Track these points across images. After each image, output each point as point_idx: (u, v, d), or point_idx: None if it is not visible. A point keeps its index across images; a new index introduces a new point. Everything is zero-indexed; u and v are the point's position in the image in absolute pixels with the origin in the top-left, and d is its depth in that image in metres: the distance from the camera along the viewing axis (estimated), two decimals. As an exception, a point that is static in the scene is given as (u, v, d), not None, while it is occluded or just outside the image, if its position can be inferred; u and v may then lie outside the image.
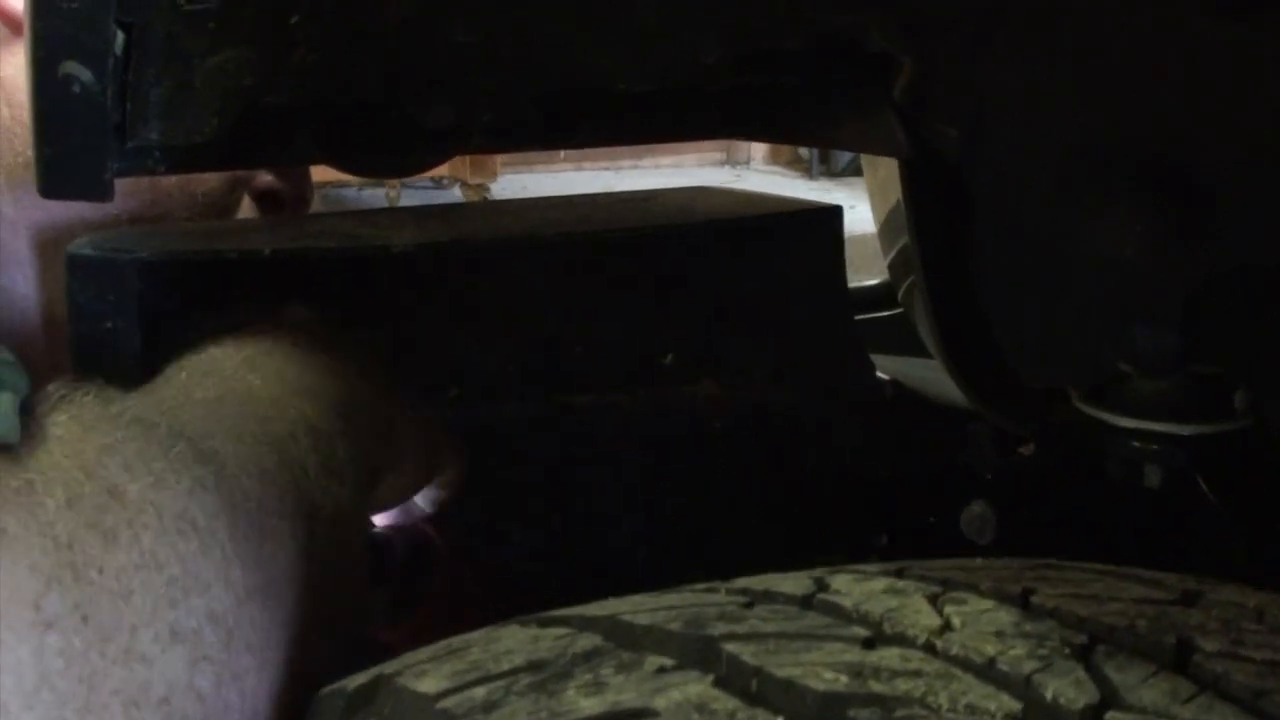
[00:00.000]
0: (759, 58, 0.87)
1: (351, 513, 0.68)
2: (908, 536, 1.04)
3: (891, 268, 1.23)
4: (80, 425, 0.56)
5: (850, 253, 1.10)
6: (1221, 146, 0.84)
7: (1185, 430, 0.94)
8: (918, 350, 1.13)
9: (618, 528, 0.94)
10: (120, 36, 0.64)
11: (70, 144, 0.65)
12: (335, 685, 0.53)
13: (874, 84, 0.91)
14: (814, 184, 7.83)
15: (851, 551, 0.90)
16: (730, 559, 0.60)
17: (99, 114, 0.64)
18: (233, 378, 0.68)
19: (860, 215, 1.35)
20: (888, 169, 1.07)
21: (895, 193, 1.02)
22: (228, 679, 0.54)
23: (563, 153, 7.81)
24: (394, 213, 1.11)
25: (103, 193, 0.68)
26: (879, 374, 1.09)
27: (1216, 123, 0.84)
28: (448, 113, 0.82)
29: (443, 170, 6.73)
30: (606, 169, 7.81)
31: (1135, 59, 0.84)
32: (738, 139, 1.04)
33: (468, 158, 6.59)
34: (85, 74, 0.63)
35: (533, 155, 7.54)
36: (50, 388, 0.60)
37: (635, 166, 7.97)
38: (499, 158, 6.85)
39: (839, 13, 0.85)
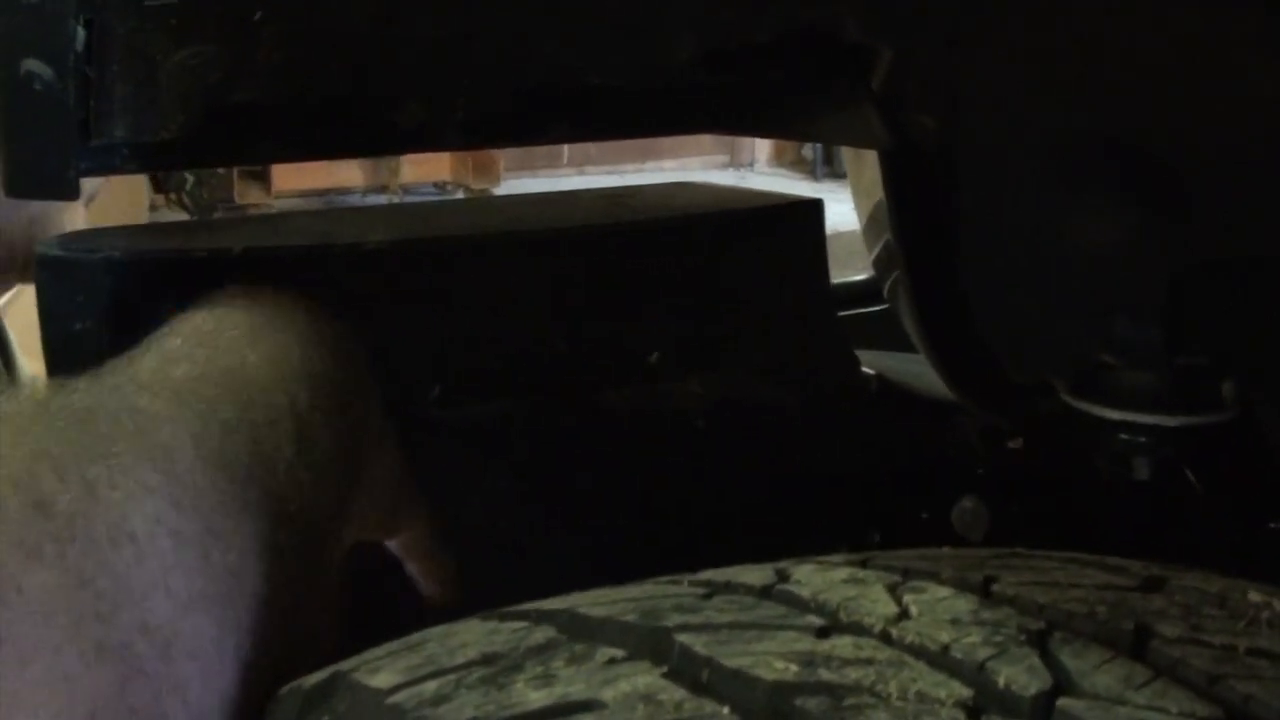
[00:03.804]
0: (734, 51, 0.86)
1: (328, 512, 0.66)
2: (899, 533, 1.03)
3: (876, 263, 1.23)
4: (13, 429, 0.54)
5: (846, 248, 1.09)
6: (1202, 137, 0.84)
7: (1172, 422, 0.94)
8: (906, 346, 1.13)
9: (602, 526, 0.93)
10: (81, 33, 0.64)
11: (34, 142, 0.65)
12: (293, 684, 0.53)
13: (852, 75, 0.91)
14: (818, 185, 7.82)
15: (842, 549, 0.90)
16: (717, 558, 0.59)
17: (62, 112, 0.64)
18: (227, 351, 0.65)
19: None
20: (871, 165, 1.07)
21: (879, 188, 1.02)
22: (165, 690, 0.52)
23: (566, 156, 7.84)
24: (370, 211, 1.11)
25: (69, 191, 0.67)
26: (865, 369, 1.08)
27: (1197, 113, 0.83)
28: (419, 110, 0.81)
29: (445, 175, 6.75)
30: (610, 172, 7.81)
31: (1115, 48, 0.84)
32: (717, 132, 1.03)
33: (470, 162, 6.62)
34: (47, 71, 0.63)
35: (536, 159, 7.56)
36: (23, 375, 0.58)
37: (639, 169, 7.98)
38: (502, 162, 6.86)
39: (814, 4, 0.84)
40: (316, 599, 0.65)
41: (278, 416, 0.63)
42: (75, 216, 0.98)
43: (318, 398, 0.66)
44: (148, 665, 0.51)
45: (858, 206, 1.25)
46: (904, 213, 0.98)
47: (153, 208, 5.88)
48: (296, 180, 6.41)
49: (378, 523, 0.74)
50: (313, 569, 0.65)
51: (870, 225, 1.22)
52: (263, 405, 0.63)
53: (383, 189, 6.69)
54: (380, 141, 0.82)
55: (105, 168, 0.73)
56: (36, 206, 0.85)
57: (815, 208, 1.02)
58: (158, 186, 6.04)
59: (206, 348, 0.65)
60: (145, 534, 0.53)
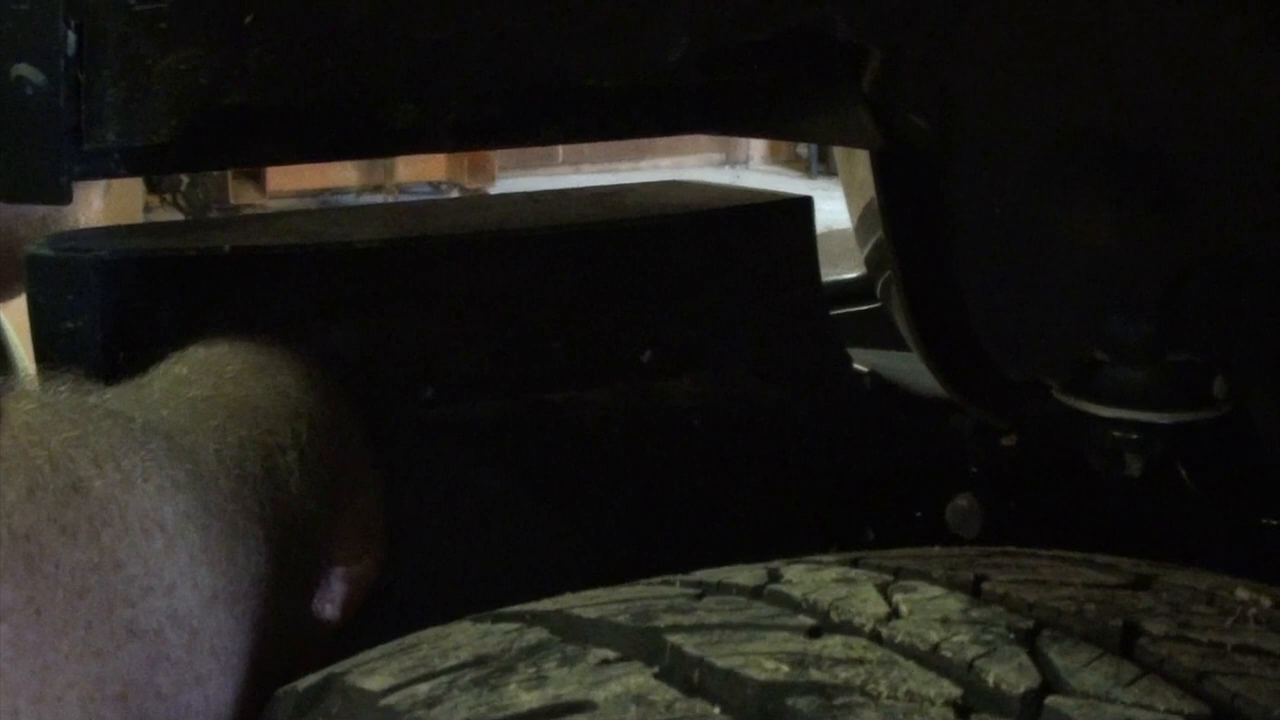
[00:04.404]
0: (726, 51, 0.87)
1: (323, 536, 0.68)
2: (893, 531, 1.03)
3: (868, 261, 1.23)
4: (51, 414, 0.56)
5: (839, 246, 1.09)
6: (1194, 136, 0.84)
7: (1164, 419, 0.94)
8: (899, 344, 1.13)
9: (595, 526, 0.93)
10: (72, 37, 0.64)
11: (25, 147, 0.65)
12: (287, 686, 0.53)
13: (843, 75, 0.91)
14: (813, 183, 7.81)
15: (837, 548, 0.90)
16: (711, 557, 0.59)
17: (53, 116, 0.64)
18: (234, 381, 0.68)
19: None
20: (863, 164, 1.07)
21: (871, 187, 1.02)
22: (190, 681, 0.54)
23: (561, 155, 7.83)
24: (362, 210, 1.11)
25: (61, 196, 0.67)
26: (858, 367, 1.08)
27: (1189, 112, 0.83)
28: (412, 112, 0.81)
29: (440, 175, 6.75)
30: (605, 171, 7.81)
31: (1107, 47, 0.84)
32: (710, 133, 1.03)
33: (465, 162, 6.61)
34: (38, 76, 0.63)
35: (531, 158, 7.55)
36: (23, 376, 0.59)
37: (635, 168, 7.97)
38: (497, 161, 6.86)
39: (805, 4, 0.84)
40: (310, 613, 0.67)
41: (285, 444, 0.66)
42: (90, 216, 0.98)
43: (314, 434, 0.68)
44: (174, 653, 0.53)
45: (850, 205, 1.25)
46: (896, 211, 0.98)
47: (147, 208, 5.87)
48: (291, 181, 6.40)
49: (350, 554, 0.75)
50: (308, 585, 0.67)
51: (862, 224, 1.23)
52: (271, 431, 0.65)
53: (378, 189, 6.68)
54: (373, 143, 0.82)
55: (98, 172, 0.73)
56: (45, 207, 0.86)
57: (805, 205, 1.03)
58: (152, 187, 6.04)
59: (214, 377, 0.68)
60: (175, 527, 0.55)
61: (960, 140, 0.93)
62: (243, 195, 6.43)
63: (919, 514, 1.03)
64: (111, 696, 0.50)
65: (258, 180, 6.43)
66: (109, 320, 0.76)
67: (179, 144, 0.73)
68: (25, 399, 0.56)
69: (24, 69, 0.62)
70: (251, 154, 0.80)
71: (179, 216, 6.10)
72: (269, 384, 0.69)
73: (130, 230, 0.90)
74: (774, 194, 1.05)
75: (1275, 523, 0.96)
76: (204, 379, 0.68)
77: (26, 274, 0.76)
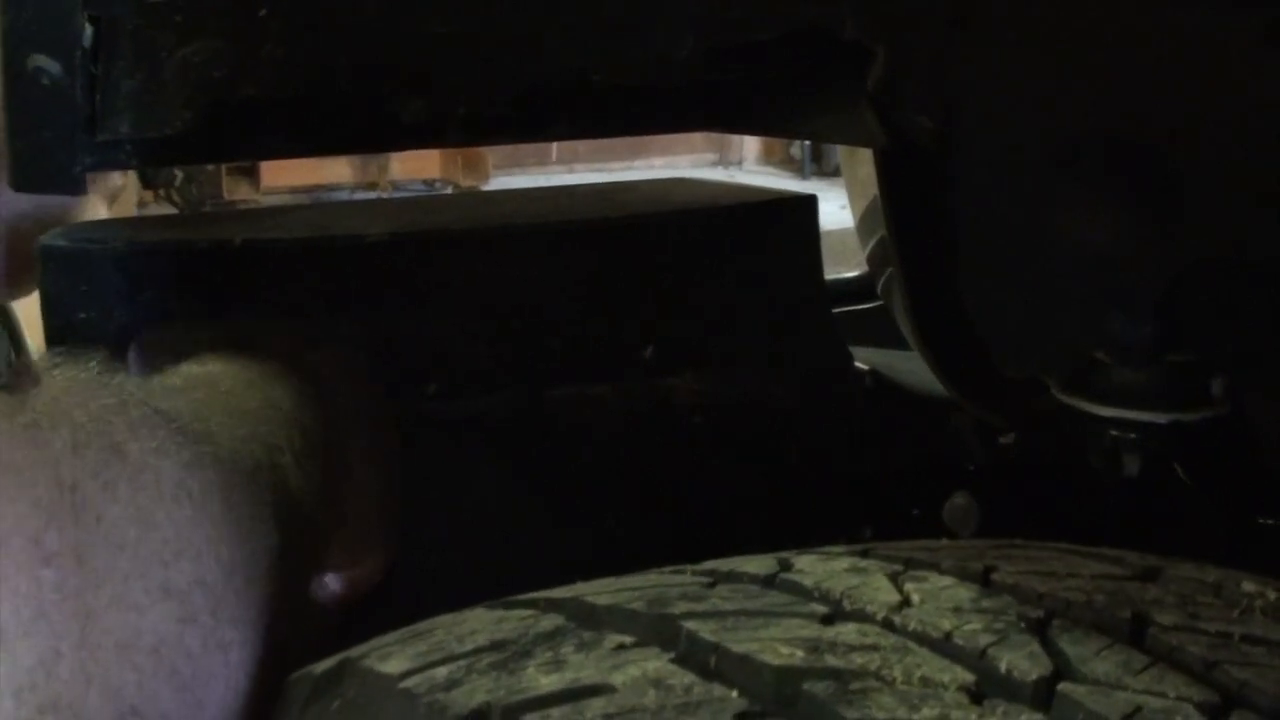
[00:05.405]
0: (732, 49, 0.87)
1: (318, 535, 0.69)
2: (891, 529, 1.03)
3: (870, 260, 1.24)
4: (87, 383, 0.58)
5: (836, 245, 1.09)
6: (1195, 138, 0.85)
7: (1163, 418, 0.94)
8: (899, 343, 1.14)
9: (598, 521, 0.94)
10: (89, 29, 0.64)
11: (40, 137, 0.65)
12: (303, 670, 0.54)
13: (848, 74, 0.91)
14: (806, 183, 7.82)
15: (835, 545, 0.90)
16: (711, 552, 0.60)
17: (68, 107, 0.65)
18: (229, 393, 0.69)
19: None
20: (866, 162, 1.07)
21: (874, 185, 1.02)
22: (214, 646, 0.56)
23: (555, 154, 7.82)
24: (369, 204, 1.11)
25: (74, 186, 0.68)
26: (859, 365, 1.09)
27: (1190, 115, 0.84)
28: (421, 107, 0.82)
29: (435, 172, 6.73)
30: (599, 170, 7.81)
31: (1109, 50, 0.85)
32: (715, 130, 1.04)
33: (460, 160, 6.61)
34: (54, 67, 0.64)
35: (525, 156, 7.55)
36: (54, 349, 0.61)
37: (629, 168, 7.96)
38: (491, 159, 6.86)
39: (811, 3, 0.85)
40: (308, 610, 0.68)
41: (282, 445, 0.67)
42: (98, 213, 0.99)
43: (307, 443, 0.70)
44: (202, 617, 0.55)
45: (852, 203, 1.26)
46: (899, 210, 0.98)
47: (141, 204, 5.86)
48: (285, 176, 6.39)
49: (344, 560, 0.75)
50: (308, 574, 0.68)
51: (864, 222, 1.23)
52: (268, 434, 0.67)
53: (372, 186, 6.66)
54: (382, 138, 0.83)
55: (110, 163, 0.73)
56: (55, 206, 0.86)
57: (809, 203, 1.03)
58: (146, 183, 6.02)
59: (206, 387, 0.69)
60: (200, 500, 0.56)
61: (963, 140, 0.94)
62: (237, 191, 6.42)
63: (916, 512, 1.04)
64: (146, 649, 0.52)
65: (252, 176, 6.42)
66: (121, 311, 0.76)
67: (191, 136, 0.74)
68: (60, 369, 0.58)
69: (41, 60, 0.63)
70: (262, 147, 0.81)
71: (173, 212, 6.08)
72: (262, 397, 0.70)
73: (141, 223, 0.91)
74: (778, 192, 1.05)
75: (1272, 522, 0.97)
76: (197, 389, 0.69)
77: (40, 265, 0.76)
